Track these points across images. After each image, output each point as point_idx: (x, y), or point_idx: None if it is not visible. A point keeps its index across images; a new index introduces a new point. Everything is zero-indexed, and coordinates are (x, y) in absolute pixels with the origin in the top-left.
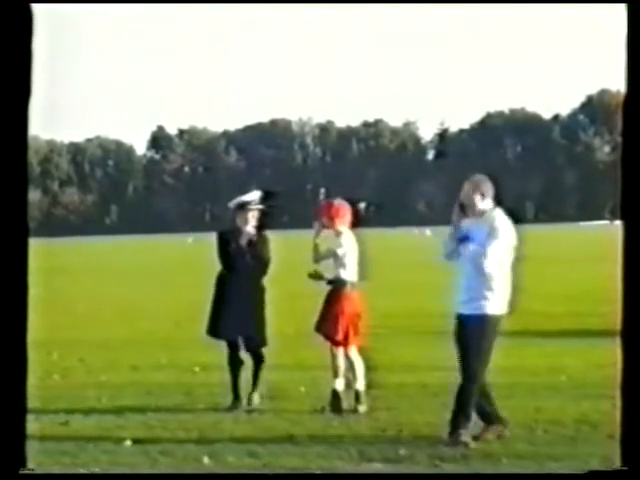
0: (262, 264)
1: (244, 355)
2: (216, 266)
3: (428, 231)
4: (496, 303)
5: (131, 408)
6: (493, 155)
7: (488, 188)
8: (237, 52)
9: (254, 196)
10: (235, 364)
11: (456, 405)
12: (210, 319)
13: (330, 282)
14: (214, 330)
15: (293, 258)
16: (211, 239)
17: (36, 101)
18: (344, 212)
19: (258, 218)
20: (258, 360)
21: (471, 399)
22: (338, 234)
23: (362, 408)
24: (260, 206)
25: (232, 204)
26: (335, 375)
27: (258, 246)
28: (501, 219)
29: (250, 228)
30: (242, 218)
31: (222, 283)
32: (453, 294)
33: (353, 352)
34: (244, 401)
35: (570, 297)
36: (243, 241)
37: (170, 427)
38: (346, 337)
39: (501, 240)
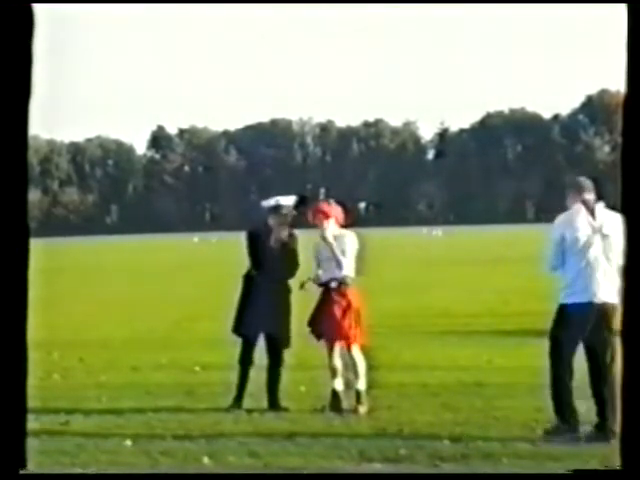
0: (292, 266)
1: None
2: (218, 266)
3: (434, 231)
4: (569, 294)
5: (131, 408)
6: (493, 155)
7: (575, 189)
8: (237, 52)
9: (291, 200)
10: (246, 363)
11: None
12: (236, 317)
13: (330, 281)
14: (239, 328)
15: None
16: (214, 239)
17: (36, 101)
18: (338, 213)
19: (290, 221)
20: (277, 363)
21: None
22: (335, 234)
23: (362, 408)
24: (295, 212)
25: (267, 204)
26: (333, 375)
27: (290, 248)
28: (575, 213)
29: (284, 230)
30: (276, 220)
31: (249, 282)
32: None
33: (355, 351)
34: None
35: None
36: (276, 243)
37: (170, 427)
38: (349, 334)
39: (555, 236)
